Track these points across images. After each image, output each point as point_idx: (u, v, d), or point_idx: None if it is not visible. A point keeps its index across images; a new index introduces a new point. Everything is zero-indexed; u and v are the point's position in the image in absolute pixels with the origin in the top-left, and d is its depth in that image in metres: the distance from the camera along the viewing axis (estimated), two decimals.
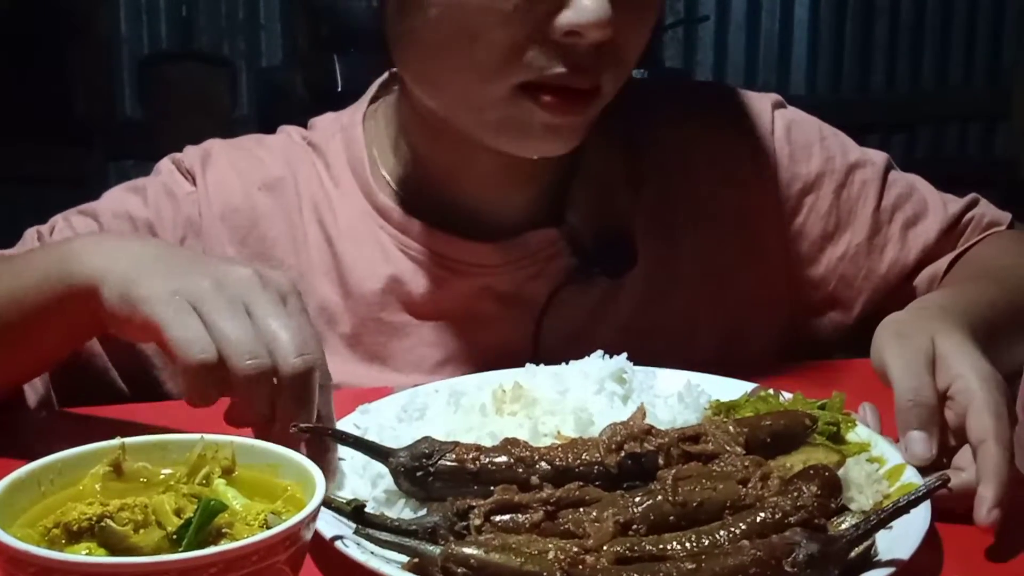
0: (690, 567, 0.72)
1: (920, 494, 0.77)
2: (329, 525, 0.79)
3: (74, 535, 0.66)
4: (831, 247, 1.28)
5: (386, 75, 1.26)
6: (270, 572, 0.63)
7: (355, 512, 0.80)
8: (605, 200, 1.21)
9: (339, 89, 3.55)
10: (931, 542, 0.79)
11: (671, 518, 0.78)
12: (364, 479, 0.88)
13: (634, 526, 0.77)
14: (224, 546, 0.63)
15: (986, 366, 0.90)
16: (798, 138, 1.28)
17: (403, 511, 0.85)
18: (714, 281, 1.24)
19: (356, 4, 3.88)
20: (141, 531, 0.66)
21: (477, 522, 0.78)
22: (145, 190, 1.20)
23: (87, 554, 0.65)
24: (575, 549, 0.74)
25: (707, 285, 1.24)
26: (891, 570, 0.74)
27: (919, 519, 0.78)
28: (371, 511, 0.81)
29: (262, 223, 1.19)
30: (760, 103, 1.29)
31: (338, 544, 0.77)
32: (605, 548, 0.75)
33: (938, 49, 5.32)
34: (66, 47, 4.51)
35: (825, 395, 0.97)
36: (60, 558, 0.61)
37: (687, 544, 0.76)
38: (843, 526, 0.79)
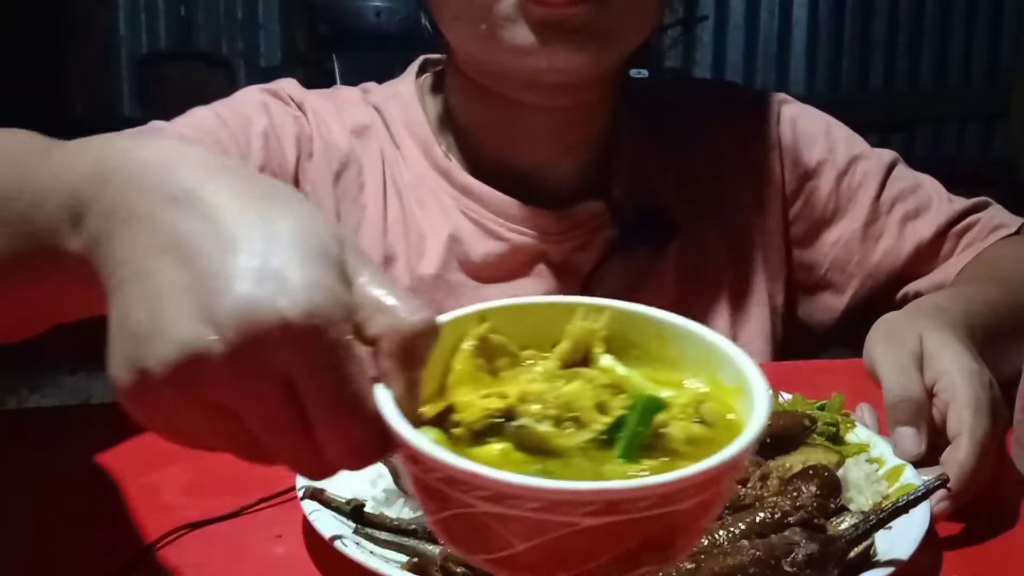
0: (689, 567, 0.72)
1: (919, 494, 0.77)
2: (328, 525, 0.79)
3: (479, 435, 0.55)
4: (827, 232, 1.29)
5: (421, 59, 1.27)
6: (727, 488, 0.52)
7: (354, 512, 0.80)
8: (642, 177, 1.23)
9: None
10: (930, 542, 0.79)
11: None
12: (363, 478, 0.88)
13: None
14: (707, 463, 0.50)
15: (971, 363, 0.91)
16: (803, 129, 1.30)
17: (402, 511, 0.85)
18: (734, 260, 1.26)
19: (355, 4, 3.89)
20: (563, 430, 0.55)
21: None
22: (249, 101, 1.18)
23: (501, 455, 0.54)
24: None
25: (729, 264, 1.26)
26: (890, 570, 0.75)
27: (918, 519, 0.78)
28: (370, 511, 0.81)
29: (352, 166, 1.20)
30: (768, 97, 1.32)
31: (337, 544, 0.77)
32: None
33: (937, 49, 5.32)
34: (64, 46, 4.51)
35: (824, 396, 0.97)
36: (512, 481, 0.48)
37: None
38: (842, 526, 0.79)
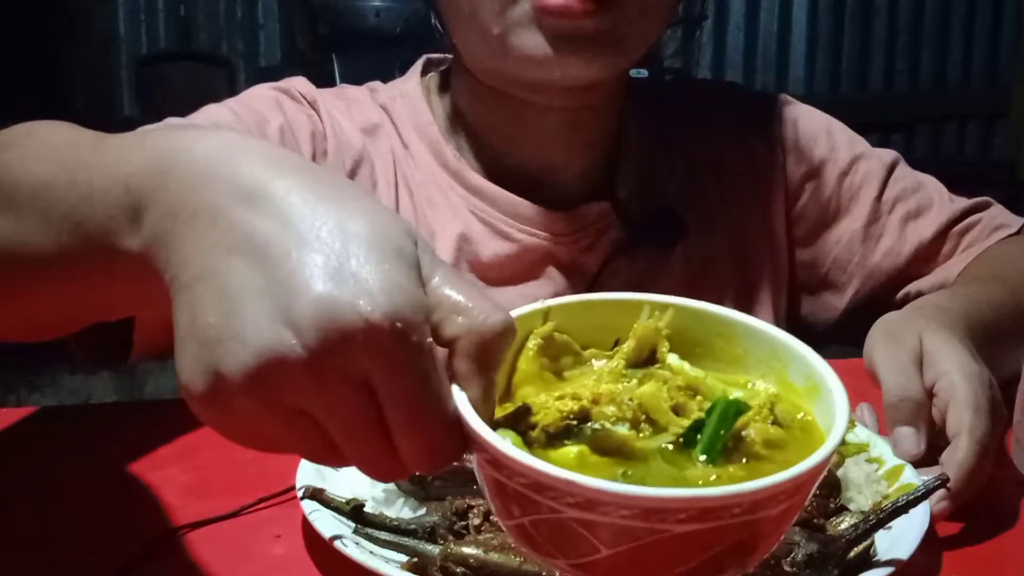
0: None
1: (919, 494, 0.77)
2: (328, 525, 0.79)
3: (553, 438, 0.54)
4: (828, 231, 1.29)
5: (424, 58, 1.27)
6: (811, 492, 0.52)
7: (354, 511, 0.80)
8: (648, 178, 1.23)
9: None
10: (930, 542, 0.79)
11: None
12: (363, 478, 0.88)
13: None
14: (798, 468, 0.49)
15: (971, 363, 0.91)
16: (805, 129, 1.30)
17: (402, 510, 0.85)
18: (737, 261, 1.26)
19: (355, 4, 3.88)
20: (641, 433, 0.54)
21: (476, 521, 0.78)
22: (262, 98, 1.17)
23: (577, 458, 0.53)
24: None
25: (733, 264, 1.26)
26: (890, 570, 0.75)
27: (918, 519, 0.78)
28: (370, 511, 0.81)
29: (365, 164, 1.19)
30: (769, 98, 1.32)
31: (337, 544, 0.77)
32: None
33: (936, 49, 5.32)
34: (64, 46, 4.51)
35: None
36: (606, 488, 0.47)
37: None
38: (842, 526, 0.79)
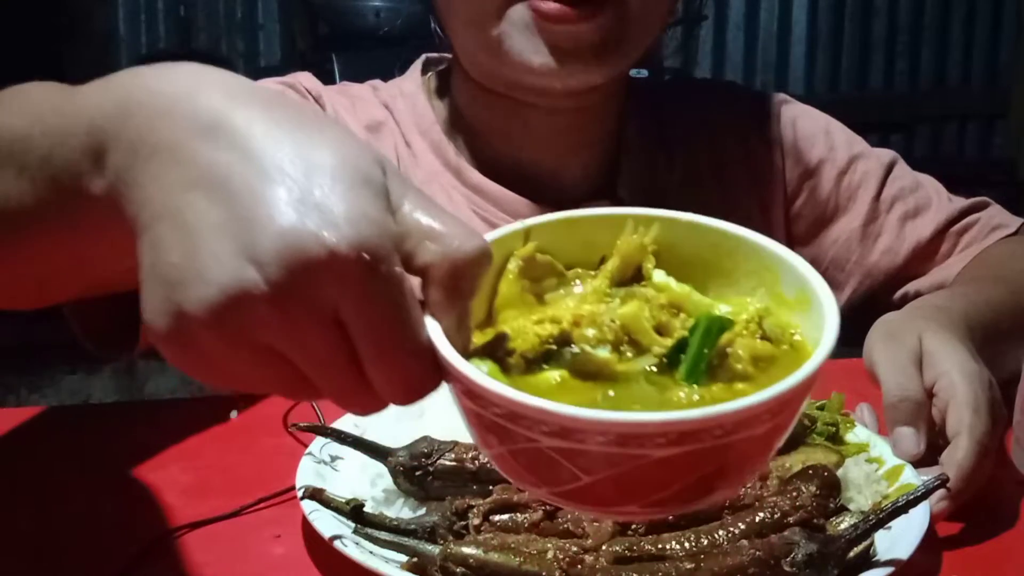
0: (689, 567, 0.72)
1: (919, 494, 0.77)
2: (328, 525, 0.79)
3: (532, 363, 0.52)
4: (827, 230, 1.29)
5: (423, 57, 1.27)
6: (800, 409, 0.50)
7: (354, 511, 0.80)
8: (648, 178, 1.23)
9: None
10: (930, 542, 0.79)
11: (670, 518, 0.78)
12: (363, 478, 0.88)
13: (633, 526, 0.77)
14: (780, 386, 0.48)
15: (971, 363, 0.91)
16: (803, 128, 1.30)
17: (402, 510, 0.85)
18: None
19: (355, 4, 3.88)
20: (623, 355, 0.52)
21: (476, 521, 0.78)
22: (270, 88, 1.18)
23: (560, 384, 0.51)
24: (574, 549, 0.74)
25: None
26: (890, 570, 0.75)
27: (918, 519, 0.78)
28: (370, 511, 0.81)
29: None
30: (768, 98, 1.32)
31: (337, 544, 0.77)
32: (604, 548, 0.75)
33: (936, 49, 5.31)
34: (64, 46, 4.51)
35: (824, 396, 0.97)
36: (579, 415, 0.46)
37: (686, 544, 0.76)
38: (842, 526, 0.79)
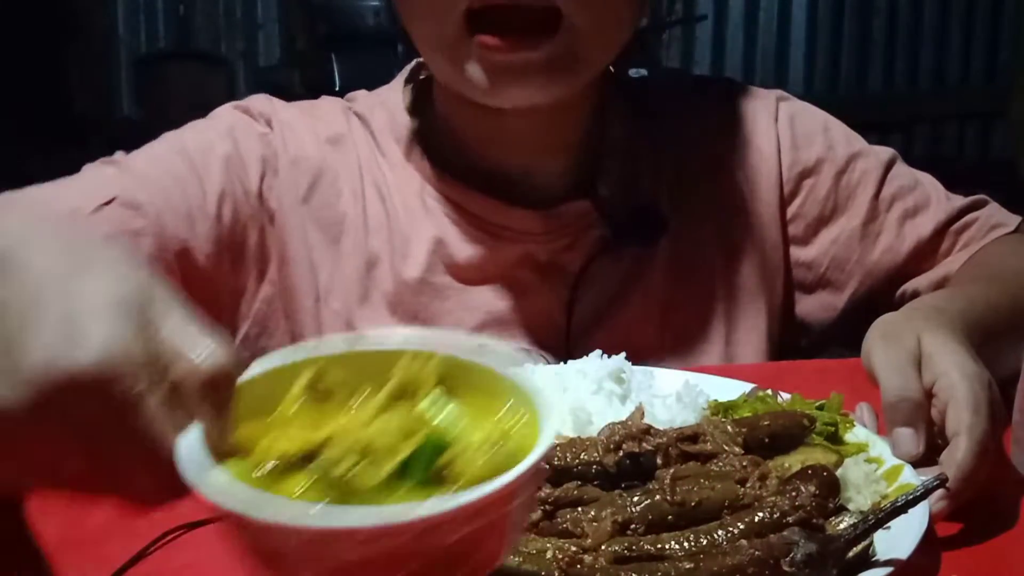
0: (688, 567, 0.72)
1: (918, 494, 0.77)
2: None
3: (285, 471, 0.57)
4: (826, 230, 1.29)
5: (413, 63, 1.28)
6: (508, 518, 0.54)
7: None
8: (632, 176, 1.24)
9: (337, 88, 3.54)
10: (929, 542, 0.79)
11: (669, 518, 0.78)
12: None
13: (632, 526, 0.77)
14: (468, 493, 0.52)
15: (970, 363, 0.91)
16: (801, 126, 1.30)
17: None
18: (727, 257, 1.27)
19: (354, 4, 3.88)
20: (360, 468, 0.56)
21: None
22: (218, 125, 1.20)
23: (301, 495, 0.56)
24: (573, 548, 0.74)
25: (722, 261, 1.26)
26: (889, 570, 0.74)
27: (917, 519, 0.78)
28: None
29: (328, 174, 1.21)
30: (766, 95, 1.32)
31: None
32: (603, 548, 0.75)
33: (935, 49, 5.32)
34: (63, 46, 4.51)
35: (823, 396, 0.97)
36: (273, 522, 0.51)
37: (685, 544, 0.76)
38: (841, 526, 0.79)
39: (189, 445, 0.55)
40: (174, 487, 0.55)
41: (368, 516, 0.51)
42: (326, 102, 1.28)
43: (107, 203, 1.10)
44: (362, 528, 0.50)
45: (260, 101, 1.24)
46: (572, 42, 1.08)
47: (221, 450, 0.56)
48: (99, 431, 0.54)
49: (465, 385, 0.61)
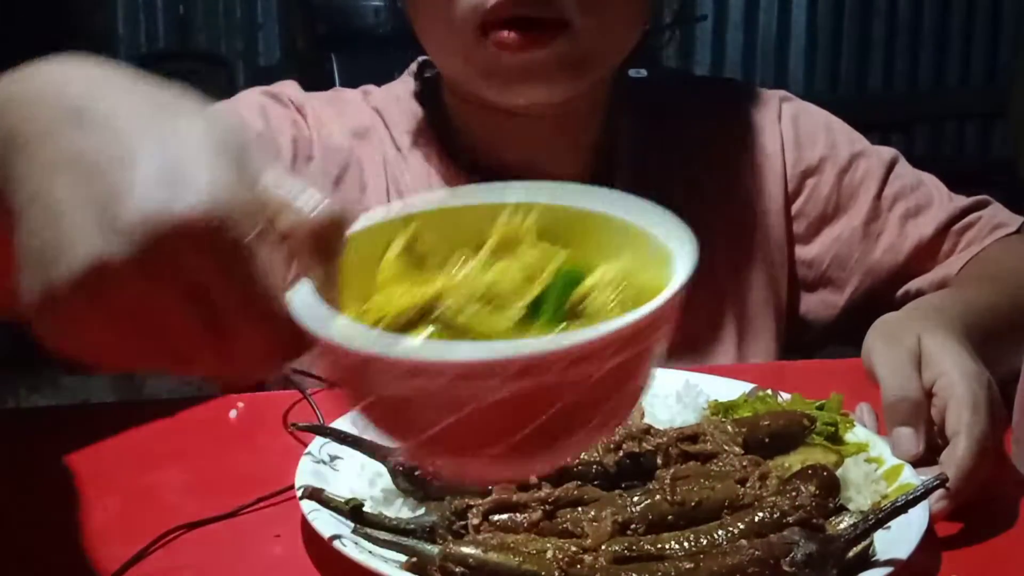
0: (688, 566, 0.72)
1: (918, 494, 0.77)
2: (327, 525, 0.79)
3: (404, 327, 0.54)
4: (828, 228, 1.29)
5: (419, 60, 1.28)
6: (650, 351, 0.51)
7: (353, 511, 0.80)
8: (644, 179, 1.23)
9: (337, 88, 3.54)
10: (929, 542, 0.79)
11: (669, 517, 0.78)
12: (362, 478, 0.88)
13: (632, 525, 0.77)
14: (619, 321, 0.49)
15: (970, 363, 0.91)
16: (804, 125, 1.30)
17: (401, 510, 0.85)
18: (734, 258, 1.27)
19: (354, 3, 3.88)
20: (487, 313, 0.54)
21: (475, 521, 0.78)
22: (249, 103, 1.19)
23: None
24: (573, 548, 0.74)
25: (729, 262, 1.26)
26: (889, 570, 0.74)
27: (917, 519, 0.78)
28: (369, 510, 0.81)
29: (354, 167, 1.21)
30: (768, 95, 1.33)
31: (336, 544, 0.77)
32: (603, 547, 0.75)
33: (935, 49, 5.31)
34: (64, 46, 4.50)
35: (823, 396, 0.97)
36: (417, 356, 0.48)
37: (685, 543, 0.76)
38: (841, 526, 0.79)
39: (303, 298, 0.51)
40: (290, 345, 0.52)
41: (522, 347, 0.48)
42: (347, 93, 1.28)
43: None
44: (516, 358, 0.47)
45: (290, 87, 1.23)
46: (580, 42, 1.09)
47: (334, 305, 0.52)
48: (211, 284, 0.50)
49: (579, 233, 0.58)
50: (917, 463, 0.89)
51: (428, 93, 1.25)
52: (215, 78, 4.70)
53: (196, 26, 4.88)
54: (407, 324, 0.54)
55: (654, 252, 0.56)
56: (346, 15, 3.89)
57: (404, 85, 1.26)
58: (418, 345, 0.49)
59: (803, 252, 1.30)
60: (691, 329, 1.22)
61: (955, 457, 0.85)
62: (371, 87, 1.29)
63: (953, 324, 0.98)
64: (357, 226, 0.56)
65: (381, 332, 0.52)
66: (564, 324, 0.53)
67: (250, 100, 1.20)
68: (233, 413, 1.06)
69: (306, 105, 1.21)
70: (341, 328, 0.50)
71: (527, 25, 1.07)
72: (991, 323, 1.04)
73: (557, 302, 0.54)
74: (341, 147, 1.20)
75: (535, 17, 1.06)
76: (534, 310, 0.54)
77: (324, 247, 0.53)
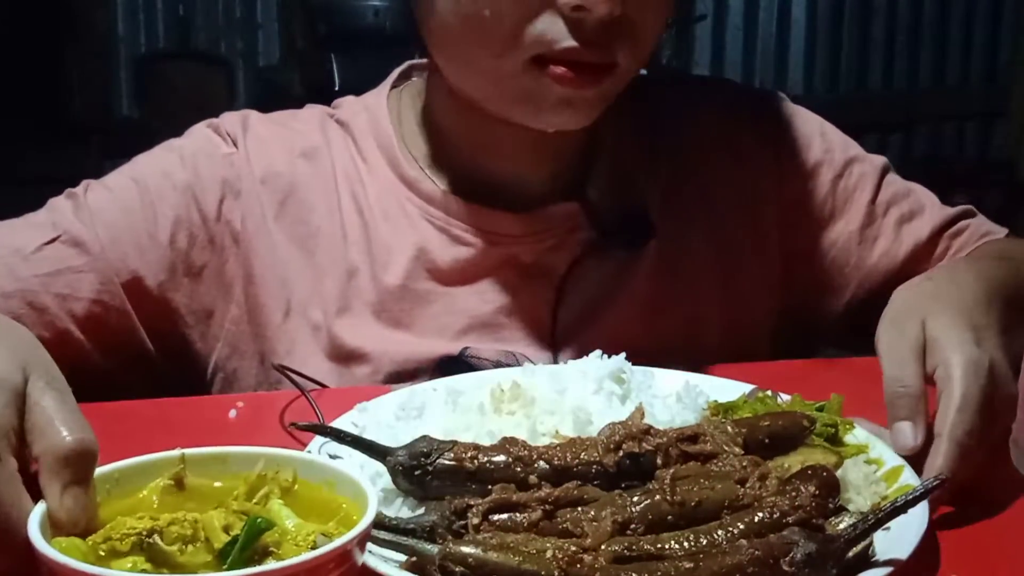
0: (688, 566, 0.72)
1: (917, 495, 0.77)
2: None
3: (120, 552, 0.65)
4: (824, 233, 1.30)
5: (405, 65, 1.29)
6: None
7: None
8: (623, 178, 1.24)
9: (336, 88, 3.54)
10: (928, 542, 0.79)
11: (669, 517, 0.78)
12: (362, 478, 0.88)
13: (632, 525, 0.77)
14: (268, 566, 0.62)
15: (973, 349, 0.91)
16: (799, 129, 1.30)
17: (401, 510, 0.85)
18: (721, 260, 1.27)
19: (354, 3, 3.88)
20: (189, 548, 0.65)
21: (475, 521, 0.78)
22: (182, 149, 1.22)
23: (131, 569, 0.64)
24: (573, 548, 0.74)
25: (715, 264, 1.26)
26: (889, 570, 0.74)
27: (917, 520, 0.78)
28: None
29: (301, 189, 1.22)
30: (761, 96, 1.33)
31: None
32: (603, 547, 0.75)
33: (935, 48, 5.32)
34: (63, 46, 4.51)
35: (823, 397, 0.97)
36: (96, 573, 0.60)
37: (685, 543, 0.76)
38: (841, 526, 0.79)
39: (34, 519, 0.64)
40: (10, 558, 0.64)
41: None
42: (306, 112, 1.29)
43: (50, 242, 1.14)
44: None
45: (233, 119, 1.25)
46: (622, 79, 1.12)
47: (78, 526, 0.65)
48: None
49: (311, 483, 0.72)
50: (919, 455, 0.88)
51: (414, 97, 1.26)
52: (215, 78, 4.71)
53: (196, 26, 4.89)
54: (124, 551, 0.65)
55: (363, 511, 0.68)
56: (346, 15, 3.89)
57: (379, 95, 1.27)
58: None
59: (799, 257, 1.30)
60: (667, 330, 1.22)
61: (935, 464, 0.86)
62: (345, 99, 1.29)
63: (963, 301, 0.97)
64: (135, 460, 0.71)
65: (82, 563, 0.61)
66: (248, 564, 0.64)
67: (185, 148, 1.22)
68: (232, 413, 1.06)
69: (248, 134, 1.22)
70: (50, 553, 0.61)
71: (577, 65, 1.07)
72: (1013, 290, 1.04)
73: (243, 545, 0.64)
74: (283, 172, 1.21)
75: (587, 61, 1.07)
76: (224, 551, 0.65)
77: (72, 472, 0.66)
